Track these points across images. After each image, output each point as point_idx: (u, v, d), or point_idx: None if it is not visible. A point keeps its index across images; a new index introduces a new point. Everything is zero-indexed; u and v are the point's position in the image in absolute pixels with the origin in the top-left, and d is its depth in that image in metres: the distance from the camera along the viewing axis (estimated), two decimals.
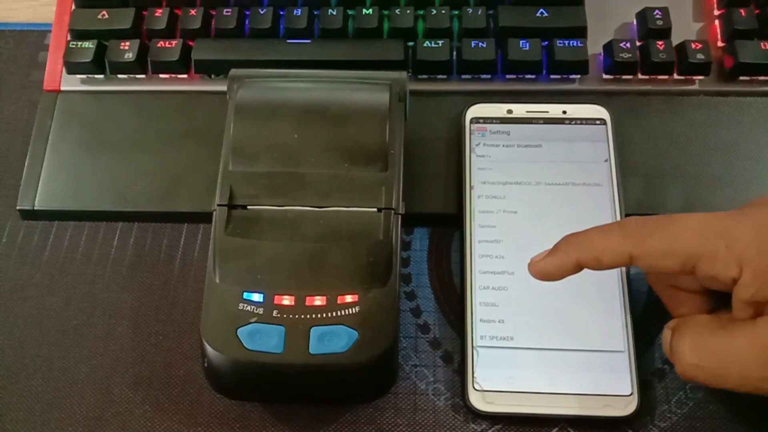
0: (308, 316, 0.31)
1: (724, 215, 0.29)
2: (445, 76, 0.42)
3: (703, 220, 0.29)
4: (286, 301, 0.31)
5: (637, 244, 0.29)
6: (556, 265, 0.31)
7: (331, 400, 0.34)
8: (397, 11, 0.42)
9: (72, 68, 0.42)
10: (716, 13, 0.42)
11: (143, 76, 0.43)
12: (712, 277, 0.29)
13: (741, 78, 0.41)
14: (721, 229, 0.29)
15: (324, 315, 0.31)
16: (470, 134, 0.39)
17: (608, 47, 0.41)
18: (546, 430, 0.33)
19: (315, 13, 0.42)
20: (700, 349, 0.29)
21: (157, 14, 0.42)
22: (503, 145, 0.39)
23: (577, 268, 0.31)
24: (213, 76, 0.42)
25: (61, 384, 0.35)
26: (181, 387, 0.35)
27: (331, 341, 0.30)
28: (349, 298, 0.31)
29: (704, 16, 0.43)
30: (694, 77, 0.41)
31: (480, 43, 0.41)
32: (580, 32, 0.41)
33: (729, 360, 0.29)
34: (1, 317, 0.37)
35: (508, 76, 0.42)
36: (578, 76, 0.41)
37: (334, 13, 0.42)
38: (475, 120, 0.40)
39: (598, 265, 0.30)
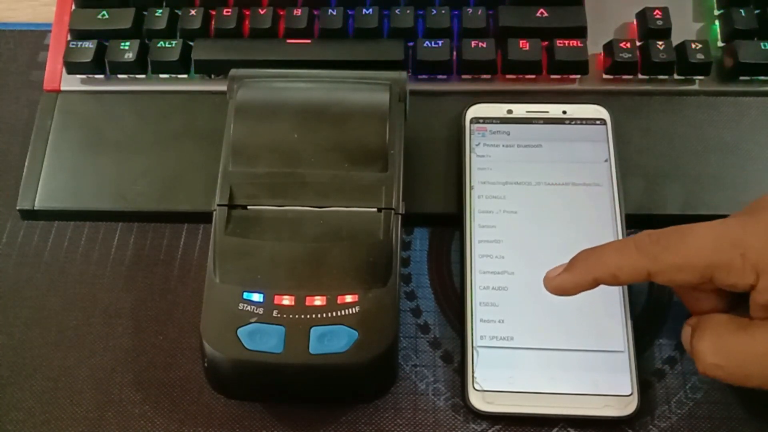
0: (308, 316, 0.31)
1: (736, 223, 0.29)
2: (445, 76, 0.42)
3: (716, 230, 0.29)
4: (286, 301, 0.31)
5: (653, 261, 0.30)
6: (574, 282, 0.31)
7: (331, 400, 0.34)
8: (397, 11, 0.42)
9: (72, 68, 0.42)
10: (716, 13, 0.42)
11: (143, 76, 0.43)
12: (730, 285, 0.29)
13: (741, 78, 0.41)
14: (734, 239, 0.29)
15: (324, 315, 0.31)
16: (470, 134, 0.39)
17: (608, 47, 0.41)
18: (546, 430, 0.33)
19: (315, 13, 0.42)
20: (720, 350, 0.30)
21: (157, 14, 0.42)
22: (503, 145, 0.39)
23: (594, 284, 0.31)
24: (213, 76, 0.42)
25: (61, 384, 0.35)
26: (181, 387, 0.35)
27: (331, 341, 0.30)
28: (349, 298, 0.31)
29: (704, 16, 0.43)
30: (694, 77, 0.41)
31: (480, 43, 0.41)
32: (580, 32, 0.41)
33: (750, 360, 0.29)
34: (1, 317, 0.37)
35: (508, 76, 0.42)
36: (578, 76, 0.41)
37: (334, 13, 0.42)
38: (475, 120, 0.40)
39: (616, 282, 0.31)
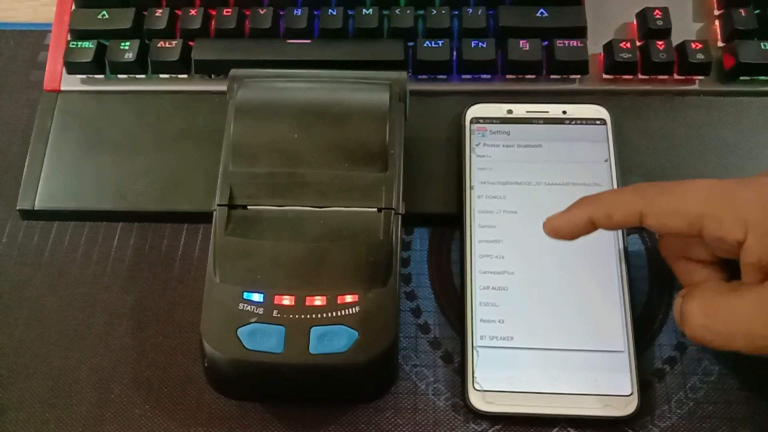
0: (308, 316, 0.31)
1: (733, 181, 0.30)
2: (445, 76, 0.42)
3: (712, 183, 0.30)
4: (286, 301, 0.31)
5: (647, 202, 0.30)
6: (569, 221, 0.32)
7: (331, 400, 0.34)
8: (397, 11, 0.42)
9: (72, 68, 0.42)
10: (716, 13, 0.42)
11: (143, 76, 0.43)
12: (718, 239, 0.29)
13: (741, 78, 0.41)
14: (728, 193, 0.29)
15: (324, 315, 0.31)
16: (470, 134, 0.39)
17: (608, 47, 0.41)
18: (546, 430, 0.33)
19: (315, 13, 0.42)
20: (708, 311, 0.30)
21: (157, 14, 0.42)
22: (503, 145, 0.39)
23: (589, 225, 0.32)
24: (213, 76, 0.42)
25: (61, 384, 0.35)
26: (181, 387, 0.35)
27: (331, 341, 0.30)
28: (349, 298, 0.31)
29: (704, 16, 0.43)
30: (694, 77, 0.41)
31: (480, 43, 0.41)
32: (580, 32, 0.41)
33: (736, 320, 0.29)
34: (1, 317, 0.37)
35: (508, 76, 0.42)
36: (578, 76, 0.41)
37: (334, 13, 0.42)
38: (475, 120, 0.40)
39: (609, 222, 0.31)
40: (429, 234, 0.39)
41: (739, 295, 0.29)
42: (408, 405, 0.34)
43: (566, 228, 0.32)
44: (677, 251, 0.33)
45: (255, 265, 0.32)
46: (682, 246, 0.33)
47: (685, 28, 0.42)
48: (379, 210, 0.33)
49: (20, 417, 0.35)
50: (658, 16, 0.41)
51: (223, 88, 0.37)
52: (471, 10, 0.42)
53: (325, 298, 0.31)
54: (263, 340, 0.30)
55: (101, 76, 0.43)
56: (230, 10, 0.42)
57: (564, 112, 0.40)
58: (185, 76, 0.42)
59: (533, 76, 0.41)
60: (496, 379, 0.34)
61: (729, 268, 0.32)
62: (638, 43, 0.41)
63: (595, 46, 0.42)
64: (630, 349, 0.34)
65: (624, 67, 0.41)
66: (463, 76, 0.42)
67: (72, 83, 0.43)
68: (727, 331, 0.29)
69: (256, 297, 0.31)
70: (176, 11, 0.43)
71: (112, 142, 0.41)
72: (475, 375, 0.34)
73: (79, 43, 0.42)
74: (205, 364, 0.32)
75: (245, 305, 0.31)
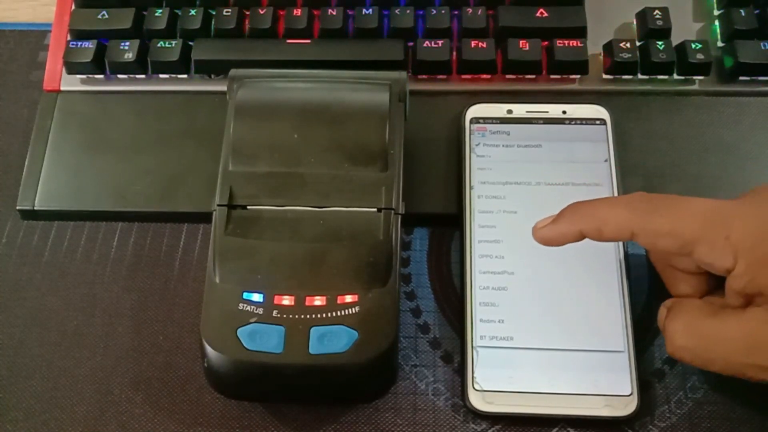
0: (308, 316, 0.31)
1: (730, 204, 0.30)
2: (445, 76, 0.42)
3: (709, 206, 0.30)
4: (286, 301, 0.31)
5: (640, 221, 0.30)
6: (560, 233, 0.32)
7: (331, 400, 0.34)
8: (397, 11, 0.42)
9: (72, 68, 0.42)
10: (716, 13, 0.42)
11: (143, 76, 0.43)
12: (708, 264, 0.29)
13: (741, 78, 0.41)
14: (723, 218, 0.29)
15: (324, 315, 0.31)
16: (470, 134, 0.39)
17: (608, 47, 0.41)
18: (546, 430, 0.33)
19: (315, 13, 0.42)
20: (690, 333, 0.30)
21: (157, 14, 0.42)
22: (503, 145, 0.39)
23: (579, 236, 0.32)
24: (213, 76, 0.42)
25: (61, 384, 0.35)
26: (181, 387, 0.35)
27: (331, 341, 0.30)
28: (349, 298, 0.31)
29: (704, 16, 0.43)
30: (694, 77, 0.41)
31: (480, 43, 0.41)
32: (580, 32, 0.41)
33: (717, 344, 0.29)
34: (1, 317, 0.37)
35: (508, 76, 0.42)
36: (578, 76, 0.41)
37: (334, 13, 0.42)
38: (475, 120, 0.40)
39: (599, 236, 0.31)
40: (429, 234, 0.39)
41: (722, 320, 0.30)
42: (408, 405, 0.34)
43: (557, 240, 0.32)
44: (665, 259, 0.34)
45: (255, 265, 0.32)
46: (670, 256, 0.33)
47: (685, 28, 0.42)
48: (379, 210, 0.33)
49: (20, 417, 0.35)
50: (658, 16, 0.41)
51: (223, 88, 0.37)
52: (471, 10, 0.42)
53: (325, 298, 0.31)
54: (263, 340, 0.30)
55: (101, 76, 0.43)
56: (230, 10, 0.42)
57: (564, 112, 0.40)
58: (185, 76, 0.42)
59: (533, 76, 0.41)
60: (496, 379, 0.34)
61: (714, 279, 0.32)
62: (638, 43, 0.41)
63: (595, 46, 0.42)
64: (630, 349, 0.34)
65: (624, 67, 0.41)
66: (463, 76, 0.42)
67: (72, 83, 0.43)
68: (707, 355, 0.30)
69: (256, 297, 0.31)
70: (176, 11, 0.43)
71: (112, 142, 0.41)
72: (474, 375, 0.34)
73: (79, 43, 0.42)
74: (205, 365, 0.32)
75: (245, 305, 0.31)
